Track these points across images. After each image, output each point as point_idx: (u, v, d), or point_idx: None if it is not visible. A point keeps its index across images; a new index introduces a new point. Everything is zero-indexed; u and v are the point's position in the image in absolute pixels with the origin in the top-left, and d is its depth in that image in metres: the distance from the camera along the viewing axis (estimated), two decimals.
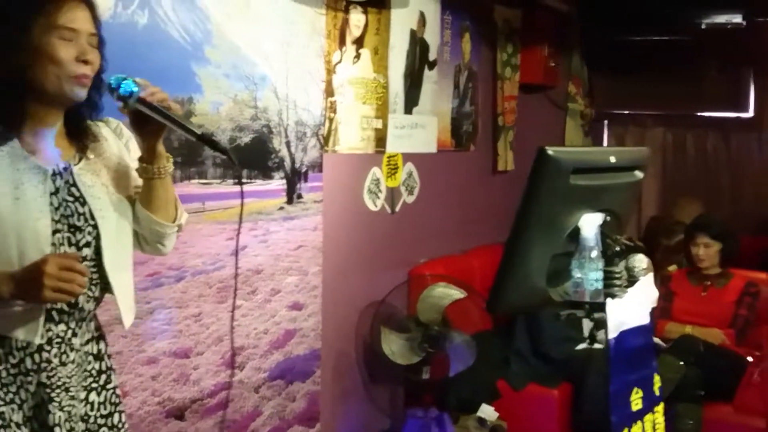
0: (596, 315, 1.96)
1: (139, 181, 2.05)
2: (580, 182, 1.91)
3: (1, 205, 1.77)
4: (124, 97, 1.89)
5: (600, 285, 1.96)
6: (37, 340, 1.84)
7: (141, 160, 2.00)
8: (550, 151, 1.83)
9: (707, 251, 4.69)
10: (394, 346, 3.92)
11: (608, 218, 2.01)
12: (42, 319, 1.84)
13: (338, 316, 3.99)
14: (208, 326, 3.22)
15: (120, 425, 2.07)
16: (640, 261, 2.05)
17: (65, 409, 1.90)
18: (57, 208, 1.86)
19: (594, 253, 1.96)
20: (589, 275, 1.96)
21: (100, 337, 2.05)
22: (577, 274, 1.97)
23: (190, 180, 3.12)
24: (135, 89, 1.88)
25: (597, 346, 2.15)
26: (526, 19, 5.44)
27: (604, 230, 1.99)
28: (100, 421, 2.01)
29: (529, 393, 4.34)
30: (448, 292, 3.94)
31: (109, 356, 2.07)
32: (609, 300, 1.95)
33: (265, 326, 3.51)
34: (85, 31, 1.84)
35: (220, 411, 3.27)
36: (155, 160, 1.99)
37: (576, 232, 1.96)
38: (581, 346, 4.48)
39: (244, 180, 3.34)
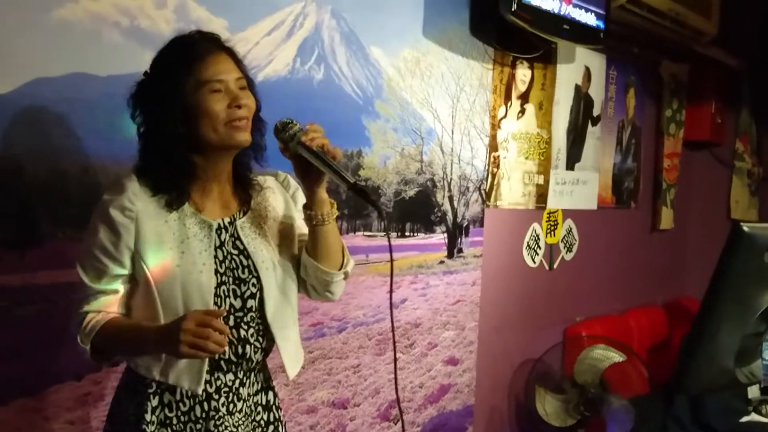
0: None
1: (304, 230, 2.04)
2: None
3: (168, 259, 1.82)
4: (286, 139, 1.88)
5: None
6: (200, 390, 1.87)
7: (305, 207, 1.98)
8: (745, 227, 1.76)
9: None
10: (549, 407, 3.83)
11: None
12: (204, 369, 1.87)
13: (493, 373, 3.93)
14: (366, 377, 3.23)
15: None
16: None
17: None
18: (222, 261, 1.90)
19: None
20: None
21: (269, 387, 2.07)
22: None
23: (355, 232, 3.16)
24: (297, 132, 1.88)
25: None
26: (694, 74, 5.27)
27: None
28: None
29: None
30: (607, 355, 3.83)
31: (278, 407, 2.08)
32: None
33: (420, 380, 3.50)
34: (232, 78, 1.85)
35: None
36: (318, 206, 1.96)
37: None
38: (746, 418, 4.26)
39: (407, 233, 3.36)
